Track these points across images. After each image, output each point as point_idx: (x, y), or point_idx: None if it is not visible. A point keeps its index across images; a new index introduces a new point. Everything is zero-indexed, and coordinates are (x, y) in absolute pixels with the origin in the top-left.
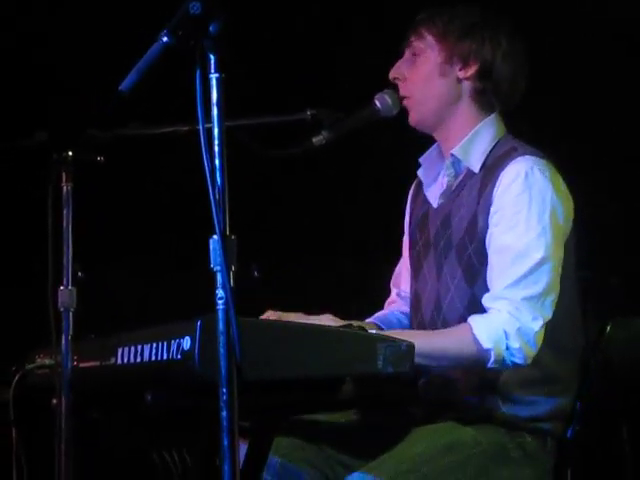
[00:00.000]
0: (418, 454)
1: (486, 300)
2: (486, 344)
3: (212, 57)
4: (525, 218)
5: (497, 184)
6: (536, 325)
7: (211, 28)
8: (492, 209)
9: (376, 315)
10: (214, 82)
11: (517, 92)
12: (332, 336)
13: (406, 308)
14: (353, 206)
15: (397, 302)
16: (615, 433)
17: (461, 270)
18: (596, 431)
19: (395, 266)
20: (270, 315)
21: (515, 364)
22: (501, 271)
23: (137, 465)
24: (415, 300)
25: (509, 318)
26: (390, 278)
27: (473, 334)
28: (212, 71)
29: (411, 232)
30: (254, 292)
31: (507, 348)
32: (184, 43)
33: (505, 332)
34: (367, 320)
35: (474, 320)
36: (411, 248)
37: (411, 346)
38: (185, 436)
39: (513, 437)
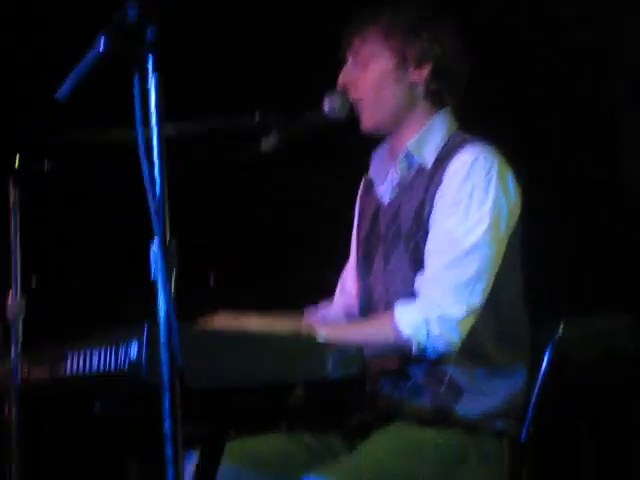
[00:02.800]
0: (377, 456)
1: (417, 283)
2: (406, 332)
3: (150, 61)
4: (465, 206)
5: (445, 172)
6: (459, 313)
7: (148, 33)
8: (437, 195)
9: (316, 310)
10: (152, 88)
11: (463, 87)
12: (280, 345)
13: (349, 303)
14: (307, 211)
15: (340, 297)
16: (570, 433)
17: (408, 258)
18: (551, 431)
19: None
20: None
21: (438, 351)
22: (434, 255)
23: (95, 475)
24: (367, 296)
25: (432, 305)
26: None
27: (394, 322)
28: (150, 77)
29: (362, 231)
30: (210, 301)
31: (428, 336)
32: (121, 49)
33: (426, 320)
34: (307, 319)
35: (397, 308)
36: (362, 246)
37: (359, 350)
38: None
39: (471, 437)
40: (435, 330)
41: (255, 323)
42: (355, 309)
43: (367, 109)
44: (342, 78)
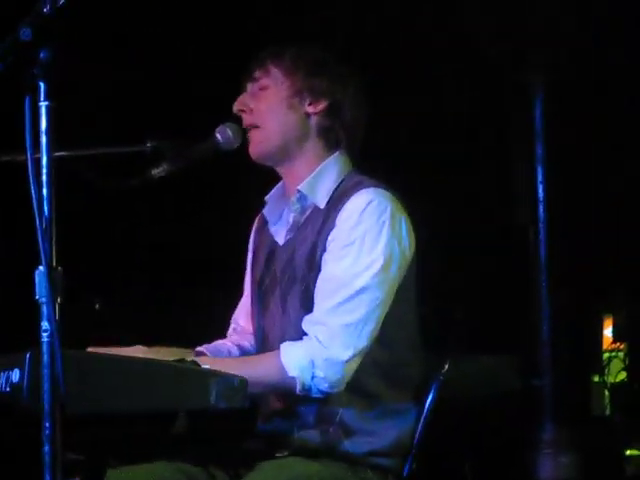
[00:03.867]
0: None
1: (305, 323)
2: (291, 372)
3: (42, 84)
4: (356, 250)
5: (338, 216)
6: (345, 355)
7: (42, 55)
8: (329, 237)
9: (209, 345)
10: (43, 110)
11: (360, 132)
12: (163, 370)
13: (243, 341)
14: (196, 235)
15: (233, 336)
16: (455, 471)
17: (301, 302)
18: (435, 468)
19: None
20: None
21: (323, 392)
22: (323, 297)
23: None
24: (262, 338)
25: (319, 347)
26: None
27: (279, 361)
28: (42, 99)
29: (256, 271)
30: (96, 324)
31: (313, 377)
32: (14, 69)
33: (312, 361)
34: (197, 348)
35: (285, 347)
36: (257, 287)
37: (244, 381)
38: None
39: (356, 472)
40: (320, 372)
41: (141, 352)
42: (250, 347)
43: (258, 134)
44: (237, 105)
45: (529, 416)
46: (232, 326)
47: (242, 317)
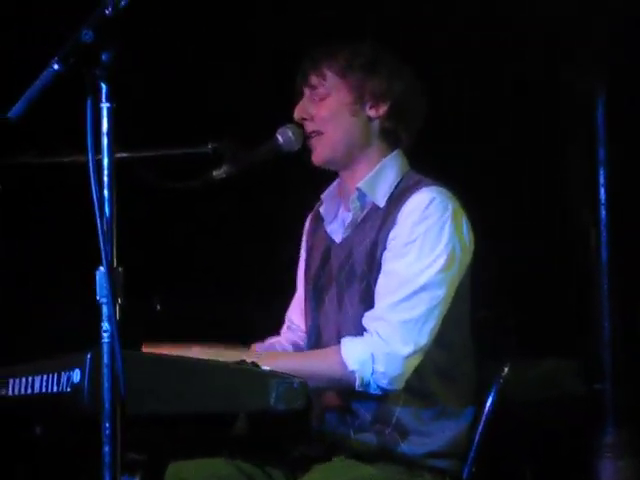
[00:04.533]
0: None
1: (365, 319)
2: (351, 366)
3: (103, 86)
4: (418, 248)
5: (399, 214)
6: (405, 350)
7: (103, 57)
8: (391, 234)
9: (262, 344)
10: (105, 112)
11: (418, 126)
12: (223, 372)
13: (296, 339)
14: (253, 241)
15: (287, 333)
16: (515, 475)
17: (361, 299)
18: (495, 473)
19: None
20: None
21: (382, 388)
22: (384, 294)
23: None
24: (316, 335)
25: (379, 342)
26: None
27: (340, 355)
28: (103, 100)
29: (311, 268)
30: (156, 324)
31: (373, 372)
32: (75, 71)
33: (372, 356)
34: (251, 348)
35: (345, 342)
36: (312, 284)
37: (303, 383)
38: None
39: (412, 476)
40: (380, 367)
41: (197, 353)
42: (304, 345)
43: (322, 141)
44: (298, 112)
45: (591, 421)
46: (286, 324)
47: (295, 314)
